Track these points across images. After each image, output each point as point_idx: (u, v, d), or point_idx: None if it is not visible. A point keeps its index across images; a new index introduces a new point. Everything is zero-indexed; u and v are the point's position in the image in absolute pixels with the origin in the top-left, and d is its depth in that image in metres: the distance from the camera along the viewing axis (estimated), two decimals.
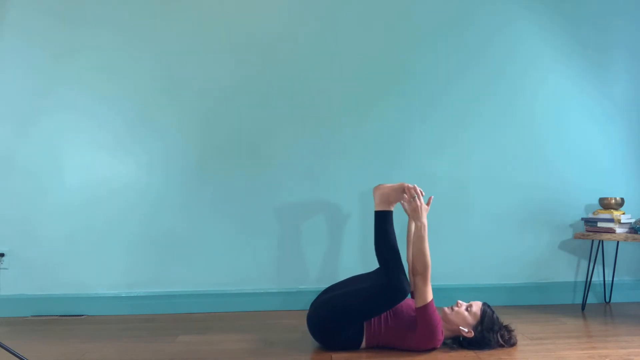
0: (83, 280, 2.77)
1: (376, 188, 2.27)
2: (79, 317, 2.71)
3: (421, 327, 2.00)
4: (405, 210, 2.19)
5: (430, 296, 2.01)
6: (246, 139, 2.88)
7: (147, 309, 2.77)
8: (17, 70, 2.79)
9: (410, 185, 2.16)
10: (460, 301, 2.15)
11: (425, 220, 2.10)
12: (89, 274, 2.77)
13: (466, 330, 2.05)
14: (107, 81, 2.83)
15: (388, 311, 2.09)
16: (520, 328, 2.38)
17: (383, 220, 2.17)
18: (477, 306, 2.09)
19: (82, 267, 2.77)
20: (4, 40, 2.80)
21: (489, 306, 2.11)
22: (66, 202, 2.78)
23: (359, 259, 2.88)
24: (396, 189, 2.21)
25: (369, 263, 2.86)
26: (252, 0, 2.93)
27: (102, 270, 2.78)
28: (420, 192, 2.14)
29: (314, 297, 2.45)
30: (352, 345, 2.08)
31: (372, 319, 2.07)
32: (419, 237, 2.07)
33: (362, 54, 2.96)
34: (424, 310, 1.99)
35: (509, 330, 2.11)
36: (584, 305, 2.85)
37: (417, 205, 2.11)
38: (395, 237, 2.16)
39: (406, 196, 2.16)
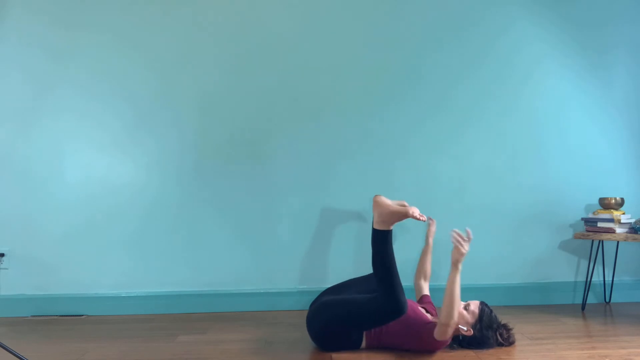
0: (83, 280, 2.77)
1: (377, 203, 2.11)
2: (79, 317, 2.71)
3: (432, 342, 1.99)
4: (453, 256, 1.91)
5: (449, 336, 1.96)
6: (246, 140, 2.88)
7: (147, 309, 2.77)
8: (16, 72, 2.79)
9: (417, 214, 2.03)
10: None
11: (460, 265, 1.91)
12: (89, 273, 2.77)
13: (465, 329, 2.05)
14: (105, 83, 2.83)
15: None
16: (520, 328, 2.38)
17: (382, 241, 2.06)
18: (474, 305, 2.10)
19: (82, 267, 2.77)
20: (4, 42, 2.80)
21: (486, 305, 2.11)
22: (66, 203, 2.78)
23: (359, 260, 2.87)
24: (398, 214, 2.06)
25: (369, 265, 2.86)
26: (252, 1, 2.93)
27: (102, 270, 2.78)
28: (468, 235, 1.92)
29: (313, 297, 2.45)
30: (352, 345, 2.08)
31: None
32: (453, 283, 1.89)
33: (364, 55, 2.96)
34: (441, 343, 1.98)
35: (507, 328, 2.12)
36: (584, 305, 2.85)
37: (465, 252, 1.89)
38: (393, 256, 2.04)
39: (455, 242, 1.90)
